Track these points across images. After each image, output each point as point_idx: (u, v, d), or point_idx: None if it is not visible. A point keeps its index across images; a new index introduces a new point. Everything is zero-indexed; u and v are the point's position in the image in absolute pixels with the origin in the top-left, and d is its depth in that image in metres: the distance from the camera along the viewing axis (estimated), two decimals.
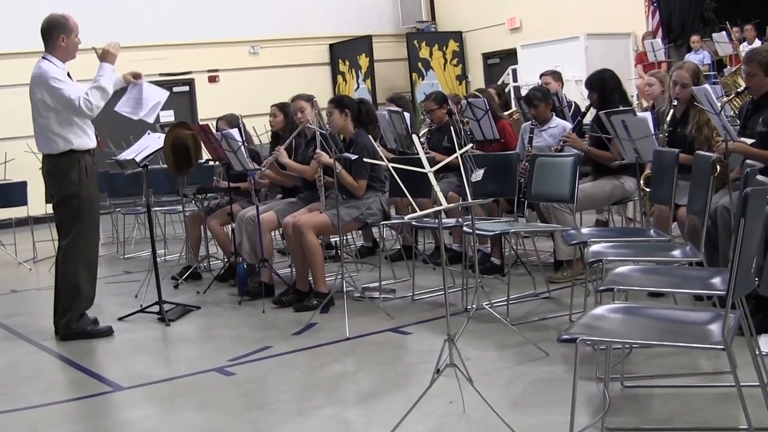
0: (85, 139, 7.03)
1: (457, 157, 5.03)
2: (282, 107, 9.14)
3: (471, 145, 7.81)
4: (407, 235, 9.23)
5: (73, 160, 6.95)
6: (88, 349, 6.86)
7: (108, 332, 7.16)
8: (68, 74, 7.03)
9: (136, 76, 7.30)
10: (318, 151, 7.40)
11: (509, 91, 16.00)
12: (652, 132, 6.80)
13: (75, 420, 5.31)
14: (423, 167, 4.65)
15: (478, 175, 6.51)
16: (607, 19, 17.16)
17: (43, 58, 7.00)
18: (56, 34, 6.96)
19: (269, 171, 8.19)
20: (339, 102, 7.89)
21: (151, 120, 7.41)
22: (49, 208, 11.56)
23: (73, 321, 7.05)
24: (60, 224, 7.15)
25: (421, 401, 4.53)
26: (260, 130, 11.23)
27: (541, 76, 10.41)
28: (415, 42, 20.53)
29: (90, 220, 7.11)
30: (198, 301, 8.13)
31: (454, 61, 20.79)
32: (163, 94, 7.40)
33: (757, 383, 3.89)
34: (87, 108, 6.81)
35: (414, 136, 5.48)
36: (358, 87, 20.31)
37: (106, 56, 7.08)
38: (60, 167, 6.96)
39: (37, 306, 8.89)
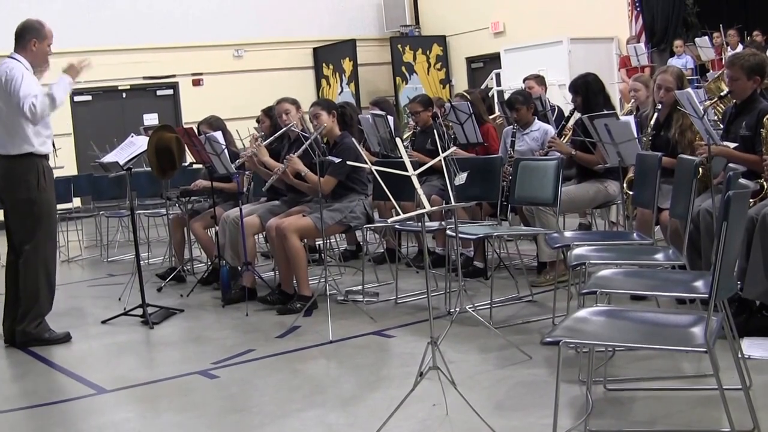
0: (45, 143, 6.94)
1: (440, 160, 5.03)
2: (268, 112, 9.15)
3: (454, 148, 7.82)
4: (390, 239, 9.23)
5: (31, 164, 6.84)
6: (70, 351, 6.83)
7: (65, 338, 7.08)
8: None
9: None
10: (290, 155, 7.41)
11: (493, 95, 16.02)
12: (635, 136, 6.82)
13: (58, 423, 5.29)
14: (406, 170, 4.65)
15: (461, 178, 6.52)
16: (591, 23, 17.22)
17: (10, 56, 6.91)
18: (29, 37, 6.89)
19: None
20: (327, 104, 7.88)
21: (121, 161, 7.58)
22: None
23: (31, 327, 6.93)
24: (17, 230, 6.97)
25: (404, 404, 4.53)
26: (244, 134, 11.22)
27: (525, 80, 10.43)
28: (399, 46, 20.56)
29: (49, 225, 7.02)
30: (181, 304, 8.11)
31: (438, 65, 20.82)
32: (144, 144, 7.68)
33: (740, 386, 3.90)
34: (30, 112, 6.66)
35: (398, 140, 5.48)
36: (342, 91, 20.31)
37: (69, 70, 6.97)
38: (17, 171, 6.84)
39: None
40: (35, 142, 6.83)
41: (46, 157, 6.99)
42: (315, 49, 20.94)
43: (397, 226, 7.71)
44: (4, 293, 7.18)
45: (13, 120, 6.78)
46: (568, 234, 6.78)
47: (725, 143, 6.04)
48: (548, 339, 3.69)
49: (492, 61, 19.26)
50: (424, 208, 4.65)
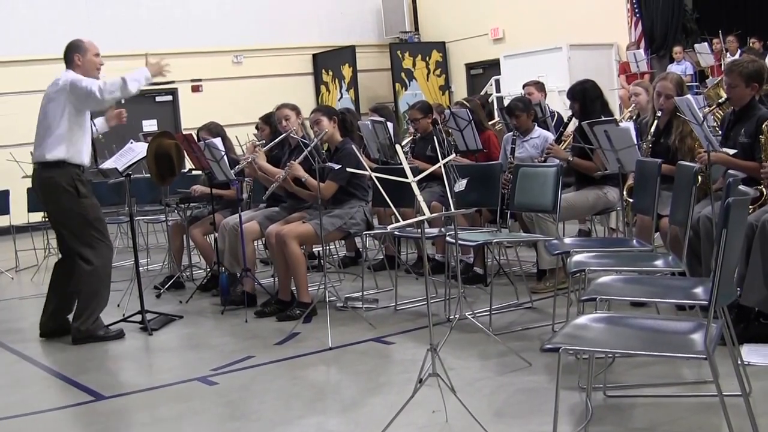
0: (79, 152, 7.09)
1: (440, 166, 5.04)
2: (266, 119, 9.14)
3: (454, 154, 7.82)
4: (390, 245, 9.23)
5: (65, 171, 7.01)
6: (70, 358, 6.83)
7: (119, 335, 7.27)
8: None
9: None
10: (291, 162, 7.42)
11: (493, 101, 16.02)
12: (635, 142, 6.83)
13: (57, 429, 5.29)
14: (406, 177, 4.65)
15: (461, 185, 6.52)
16: (590, 29, 17.21)
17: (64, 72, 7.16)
18: (71, 54, 7.18)
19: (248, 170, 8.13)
20: (328, 110, 7.89)
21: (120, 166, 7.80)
22: (32, 217, 11.65)
23: (87, 324, 7.13)
24: (69, 237, 7.18)
25: (404, 411, 4.53)
26: (243, 140, 11.22)
27: (524, 86, 10.44)
28: (399, 52, 20.55)
29: (101, 227, 7.22)
30: (180, 310, 8.11)
31: (437, 72, 20.81)
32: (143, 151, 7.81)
33: (739, 393, 3.90)
34: (99, 91, 6.91)
35: (397, 146, 5.49)
36: (341, 97, 20.30)
37: (151, 67, 7.37)
38: (53, 179, 7.03)
39: (19, 315, 8.87)
40: (66, 150, 7.01)
41: (80, 167, 7.13)
42: (314, 56, 20.92)
43: (396, 233, 7.70)
44: (48, 290, 7.42)
45: (53, 127, 6.99)
46: (567, 241, 6.78)
47: (724, 150, 6.04)
48: (548, 346, 3.69)
49: (491, 67, 19.26)
50: (424, 214, 4.66)
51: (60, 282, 7.36)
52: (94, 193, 7.29)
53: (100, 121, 7.74)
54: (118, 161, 7.93)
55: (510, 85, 16.99)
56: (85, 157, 7.15)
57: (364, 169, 5.97)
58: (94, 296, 7.17)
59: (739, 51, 15.28)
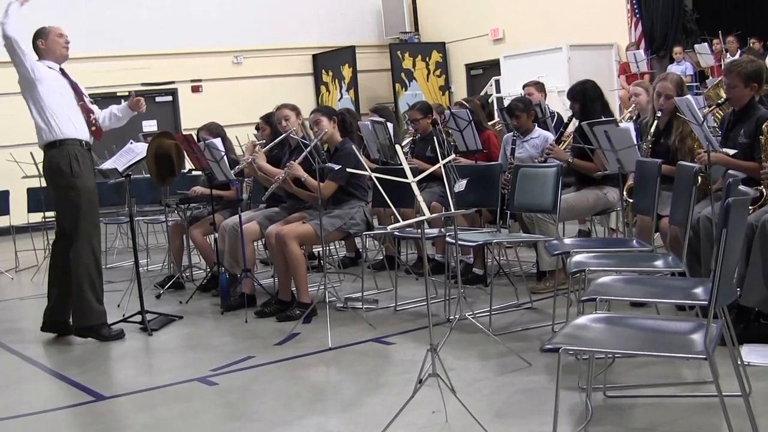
0: (71, 128, 7.15)
1: (440, 167, 5.04)
2: (267, 119, 9.14)
3: (454, 155, 7.82)
4: (390, 246, 9.22)
5: (63, 152, 7.08)
6: (70, 358, 6.84)
7: (119, 335, 7.27)
8: (61, 70, 7.34)
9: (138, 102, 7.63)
10: (291, 162, 7.41)
11: (492, 101, 16.01)
12: (635, 142, 6.82)
13: (57, 429, 5.29)
14: (406, 177, 4.65)
15: (460, 185, 6.52)
16: (590, 30, 17.20)
17: None
18: (36, 42, 7.30)
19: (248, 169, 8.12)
20: (327, 111, 7.88)
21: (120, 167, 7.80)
22: (32, 218, 11.67)
23: (85, 317, 7.16)
24: (64, 218, 7.22)
25: (404, 411, 4.53)
26: (243, 140, 11.21)
27: (524, 86, 10.43)
28: (399, 52, 20.54)
29: (90, 212, 7.20)
30: (180, 311, 8.11)
31: (437, 72, 20.81)
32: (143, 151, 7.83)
33: (739, 393, 3.90)
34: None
35: (397, 147, 5.48)
36: (341, 97, 20.29)
37: None
38: (53, 160, 7.11)
39: (19, 315, 8.86)
40: (51, 128, 7.09)
41: (80, 143, 7.21)
42: (314, 56, 20.91)
43: (396, 233, 7.70)
44: (48, 283, 7.44)
45: (37, 112, 7.12)
46: (567, 241, 6.78)
47: (724, 150, 6.04)
48: (548, 346, 3.68)
49: (491, 67, 19.25)
50: (424, 215, 4.66)
51: (58, 259, 7.36)
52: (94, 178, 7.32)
53: (123, 108, 7.72)
54: (118, 161, 7.92)
55: (510, 86, 16.98)
56: (78, 131, 7.19)
57: (364, 169, 5.96)
58: (79, 285, 7.12)
59: (739, 51, 15.28)
